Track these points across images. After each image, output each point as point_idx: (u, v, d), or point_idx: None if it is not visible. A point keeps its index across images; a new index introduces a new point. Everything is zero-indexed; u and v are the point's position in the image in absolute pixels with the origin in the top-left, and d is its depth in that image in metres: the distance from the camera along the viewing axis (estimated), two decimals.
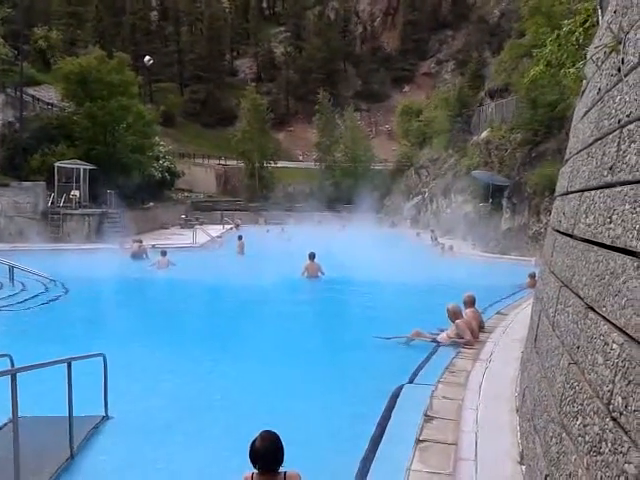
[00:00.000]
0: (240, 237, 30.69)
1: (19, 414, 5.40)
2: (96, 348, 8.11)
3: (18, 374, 5.46)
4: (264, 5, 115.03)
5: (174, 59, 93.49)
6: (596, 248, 3.49)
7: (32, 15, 62.69)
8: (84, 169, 34.76)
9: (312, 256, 21.30)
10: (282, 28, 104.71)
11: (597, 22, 8.11)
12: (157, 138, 46.17)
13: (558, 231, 5.13)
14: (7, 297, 16.77)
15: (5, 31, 46.48)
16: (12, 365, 6.71)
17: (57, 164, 33.78)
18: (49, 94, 47.10)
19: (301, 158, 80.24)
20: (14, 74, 41.06)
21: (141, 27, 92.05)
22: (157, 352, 11.24)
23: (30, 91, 43.58)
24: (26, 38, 50.95)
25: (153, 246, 27.75)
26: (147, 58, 54.68)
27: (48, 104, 44.13)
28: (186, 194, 58.95)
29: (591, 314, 3.32)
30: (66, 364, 6.62)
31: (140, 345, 11.73)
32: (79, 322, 14.83)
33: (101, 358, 7.71)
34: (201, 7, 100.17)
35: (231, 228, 45.88)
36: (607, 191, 3.45)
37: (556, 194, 6.24)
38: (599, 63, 4.62)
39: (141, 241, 27.77)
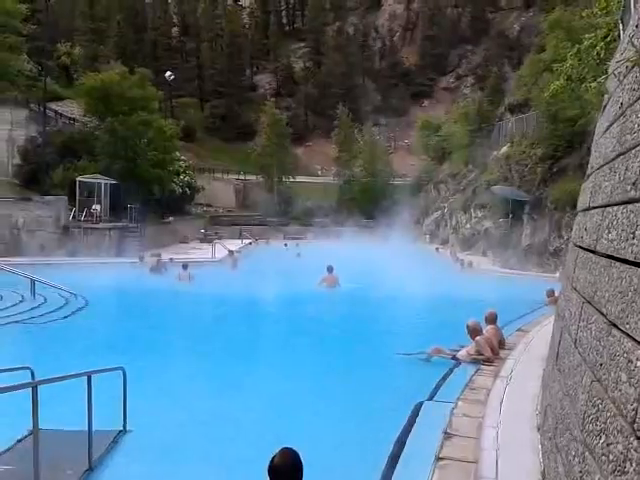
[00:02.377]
0: (231, 252, 30.90)
1: (39, 427, 5.43)
2: (116, 361, 8.14)
3: (39, 386, 5.49)
4: (284, 21, 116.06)
5: (194, 74, 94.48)
6: (619, 264, 3.45)
7: (56, 32, 63.73)
8: (105, 184, 35.11)
9: (330, 269, 22.24)
10: (301, 44, 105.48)
11: (619, 36, 8.07)
12: (177, 153, 46.55)
13: (580, 247, 5.08)
14: (29, 310, 16.92)
15: (29, 47, 47.32)
16: (33, 378, 6.75)
17: (79, 179, 34.16)
18: (71, 109, 47.80)
19: (320, 173, 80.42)
20: (37, 90, 41.79)
21: (162, 43, 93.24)
22: (177, 366, 11.26)
23: (53, 106, 44.25)
24: (50, 54, 51.84)
25: (171, 260, 27.91)
26: (168, 73, 55.24)
27: (70, 119, 44.77)
28: (205, 209, 59.28)
29: (614, 331, 3.27)
30: (86, 377, 6.65)
31: (160, 359, 11.76)
32: (99, 335, 14.92)
33: (120, 372, 7.73)
34: (221, 23, 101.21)
35: (250, 243, 46.07)
36: (630, 206, 3.41)
37: (578, 209, 6.19)
38: (621, 77, 4.58)
39: (160, 255, 27.94)
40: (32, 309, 17.12)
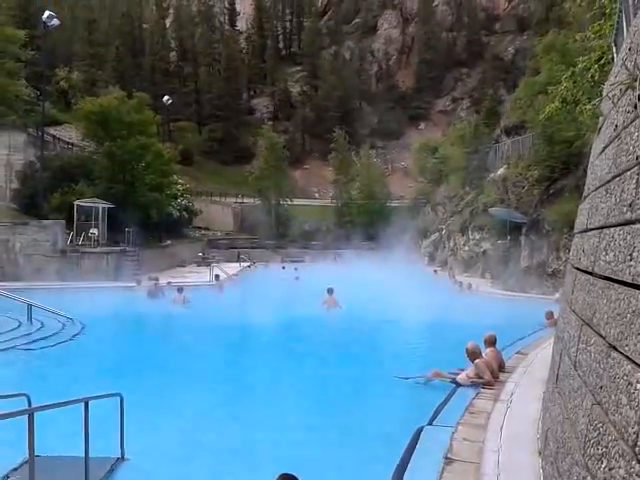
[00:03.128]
0: (217, 277, 30.86)
1: (35, 454, 5.37)
2: (113, 387, 8.08)
3: (35, 413, 5.44)
4: (280, 45, 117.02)
5: (192, 98, 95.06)
6: (617, 286, 3.44)
7: (54, 57, 64.15)
8: (103, 207, 35.15)
9: (330, 291, 23.02)
10: (298, 68, 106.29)
11: (612, 59, 8.15)
12: (175, 176, 46.67)
13: (578, 269, 5.07)
14: (25, 335, 16.83)
15: (28, 73, 47.65)
16: (29, 404, 6.69)
17: (76, 203, 34.20)
18: (69, 134, 48.01)
19: (317, 196, 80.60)
20: (36, 114, 41.97)
21: (160, 68, 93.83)
22: (174, 392, 11.19)
23: (51, 131, 44.45)
24: (48, 79, 52.14)
25: (169, 283, 27.86)
26: (166, 98, 55.59)
27: (68, 143, 44.94)
28: (203, 232, 59.32)
29: (614, 353, 3.26)
30: (83, 404, 6.59)
31: (157, 384, 11.68)
32: (96, 361, 14.82)
33: (118, 398, 7.67)
34: (219, 48, 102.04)
35: (249, 266, 46.02)
36: (627, 228, 3.41)
37: (575, 231, 6.19)
38: (615, 100, 4.61)
39: (157, 279, 27.89)
40: (29, 334, 17.03)
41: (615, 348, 3.25)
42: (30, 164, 38.46)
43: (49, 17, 37.02)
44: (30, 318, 18.83)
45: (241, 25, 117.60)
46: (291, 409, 9.93)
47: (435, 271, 40.24)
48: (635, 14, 5.15)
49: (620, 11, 6.93)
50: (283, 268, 44.23)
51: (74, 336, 17.18)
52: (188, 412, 9.85)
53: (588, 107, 10.97)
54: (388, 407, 10.22)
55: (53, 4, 74.90)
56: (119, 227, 35.56)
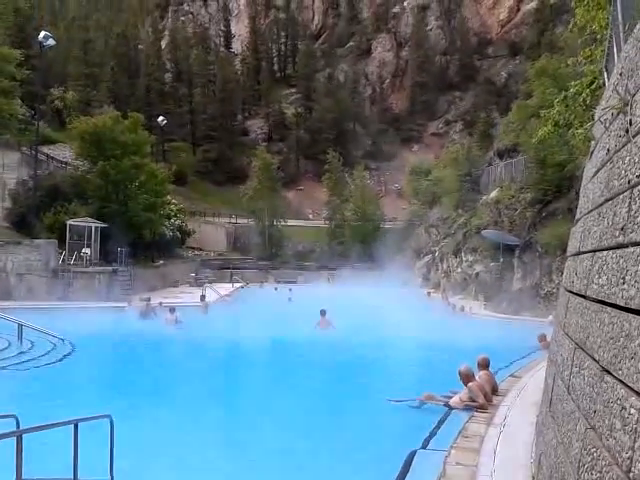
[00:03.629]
0: (203, 297, 30.68)
1: (23, 476, 5.29)
2: (103, 409, 7.99)
3: (24, 435, 5.37)
4: (275, 68, 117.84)
5: (187, 119, 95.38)
6: (610, 309, 3.43)
7: (50, 76, 64.42)
8: (95, 227, 35.05)
9: (323, 312, 23.17)
10: (293, 90, 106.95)
11: (603, 84, 8.23)
12: (169, 196, 46.66)
13: (571, 291, 5.07)
14: (15, 355, 16.67)
15: (23, 92, 47.74)
16: (18, 426, 6.60)
17: (69, 222, 34.09)
18: (63, 153, 48.01)
19: (311, 216, 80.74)
20: (30, 133, 42.00)
21: (155, 88, 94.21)
22: (165, 414, 11.07)
23: (45, 150, 44.46)
24: (43, 98, 52.30)
25: (160, 304, 27.75)
26: (160, 118, 55.80)
27: (62, 163, 44.92)
28: (196, 252, 59.19)
29: (607, 377, 3.24)
30: (72, 425, 6.51)
31: (148, 406, 11.56)
32: (87, 382, 14.69)
33: (108, 420, 7.57)
34: (214, 69, 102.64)
35: (242, 286, 45.91)
36: (619, 251, 3.41)
37: (568, 254, 6.20)
38: (607, 124, 4.65)
39: (149, 299, 27.76)
40: (19, 354, 16.88)
41: (609, 372, 3.23)
42: (23, 183, 38.40)
43: (45, 37, 37.24)
44: (21, 338, 18.67)
45: (236, 47, 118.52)
46: (281, 431, 9.84)
47: (428, 293, 40.23)
48: (625, 40, 5.21)
49: (611, 37, 7.01)
50: (276, 289, 44.16)
51: (65, 356, 17.04)
52: (178, 434, 9.75)
53: (580, 131, 11.04)
54: (380, 430, 10.15)
55: (49, 24, 75.73)
56: (112, 247, 35.44)
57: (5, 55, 41.84)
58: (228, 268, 54.58)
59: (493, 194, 38.55)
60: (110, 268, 33.79)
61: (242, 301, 31.55)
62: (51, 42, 38.19)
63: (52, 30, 52.66)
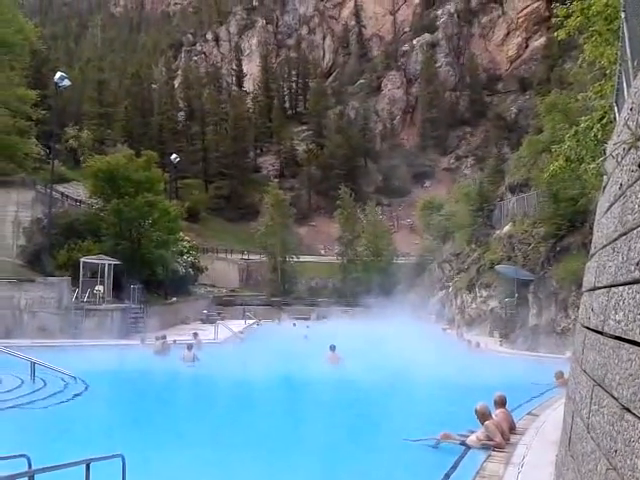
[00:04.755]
0: (196, 334, 29.77)
1: None
2: (116, 448, 7.92)
3: (36, 475, 5.32)
4: (286, 105, 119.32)
5: (199, 157, 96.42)
6: (627, 346, 3.39)
7: (65, 116, 65.50)
8: (109, 264, 35.17)
9: (333, 348, 23.32)
10: (304, 127, 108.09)
11: (614, 118, 8.25)
12: (181, 233, 46.87)
13: (587, 328, 5.01)
14: (28, 394, 16.61)
15: (38, 131, 48.54)
16: (30, 466, 6.55)
17: (83, 259, 34.23)
18: (78, 191, 48.50)
19: (323, 252, 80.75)
20: (45, 172, 42.51)
21: (168, 127, 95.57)
22: (178, 453, 10.95)
23: (60, 188, 44.90)
24: (58, 137, 53.07)
25: (174, 342, 27.62)
26: (173, 156, 56.39)
27: (76, 201, 45.35)
28: (209, 289, 59.22)
29: (627, 415, 3.18)
30: (84, 465, 6.45)
31: (161, 445, 11.44)
32: (99, 421, 14.59)
33: (120, 459, 7.50)
34: (226, 108, 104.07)
35: (254, 323, 45.77)
36: (636, 287, 3.38)
37: (583, 289, 6.15)
38: (619, 159, 4.64)
39: (164, 337, 27.68)
40: (31, 393, 16.82)
41: (629, 410, 3.17)
42: (37, 221, 38.73)
43: (60, 78, 37.89)
44: (33, 376, 18.64)
45: (248, 86, 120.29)
46: (293, 473, 9.69)
47: (444, 329, 39.88)
48: (635, 76, 5.23)
49: (620, 72, 7.05)
50: (294, 325, 44.19)
51: (77, 395, 16.96)
52: (191, 474, 9.63)
53: (592, 166, 11.03)
54: (397, 470, 9.98)
55: (65, 65, 77.34)
56: (125, 284, 35.51)
57: (21, 96, 42.64)
58: (240, 305, 54.53)
59: (506, 229, 38.43)
60: (123, 305, 33.82)
61: (256, 338, 31.40)
62: (66, 83, 38.85)
63: (68, 71, 53.73)
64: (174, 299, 43.28)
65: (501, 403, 11.70)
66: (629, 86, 5.69)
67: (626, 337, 3.44)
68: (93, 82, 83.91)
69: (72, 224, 38.56)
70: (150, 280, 37.52)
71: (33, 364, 18.88)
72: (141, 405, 16.55)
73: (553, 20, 15.27)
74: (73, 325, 30.96)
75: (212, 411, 16.23)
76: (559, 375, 17.03)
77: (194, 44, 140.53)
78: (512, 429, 11.37)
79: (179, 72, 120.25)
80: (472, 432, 11.11)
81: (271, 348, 28.69)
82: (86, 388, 17.91)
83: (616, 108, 7.56)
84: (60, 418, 14.50)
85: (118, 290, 35.51)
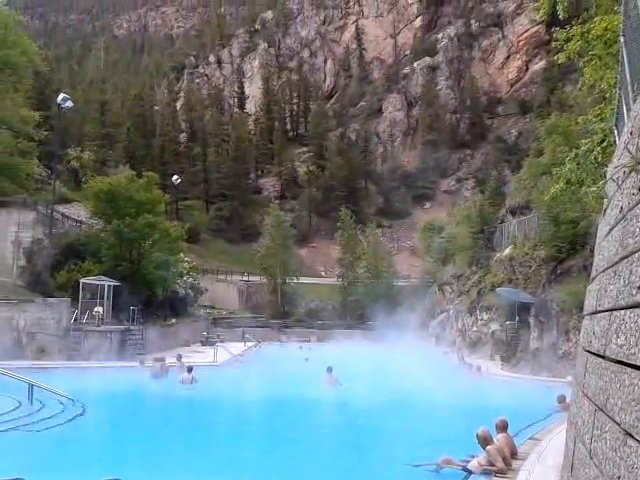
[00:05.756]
0: (180, 356, 29.32)
1: None
2: (113, 471, 7.84)
3: None
4: (288, 127, 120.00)
5: (201, 178, 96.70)
6: (629, 370, 3.35)
7: (67, 137, 65.84)
8: (108, 285, 35.10)
9: (329, 370, 23.46)
10: (305, 148, 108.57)
11: (614, 142, 8.26)
12: (182, 254, 46.84)
13: (589, 352, 4.97)
14: (25, 417, 16.47)
15: (40, 152, 48.78)
16: None
17: (82, 280, 34.15)
18: (78, 211, 48.60)
19: (324, 274, 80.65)
20: (46, 192, 42.64)
21: (170, 148, 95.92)
22: (175, 477, 10.84)
23: (60, 209, 44.99)
24: (60, 158, 53.34)
25: (180, 357, 27.53)
26: (175, 177, 56.58)
27: (77, 221, 45.40)
28: (208, 310, 59.00)
29: (630, 441, 3.14)
30: None
31: (159, 468, 11.33)
32: (97, 444, 14.46)
33: None
34: (228, 129, 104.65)
35: (253, 346, 45.56)
36: (637, 310, 3.35)
37: (584, 313, 6.11)
38: (619, 182, 4.64)
39: (164, 360, 27.53)
40: (28, 415, 16.68)
41: (631, 436, 3.13)
42: (38, 241, 38.74)
43: (63, 99, 38.14)
44: (31, 398, 18.49)
45: (250, 108, 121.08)
46: None
47: (445, 352, 39.67)
48: (634, 100, 5.25)
49: (620, 96, 7.08)
50: (300, 348, 44.11)
51: (75, 418, 16.82)
52: None
53: (592, 189, 11.03)
54: None
55: (68, 86, 77.92)
56: (124, 305, 35.41)
57: (24, 117, 42.93)
58: (240, 327, 54.30)
59: (507, 251, 38.39)
60: (122, 327, 33.68)
61: (256, 361, 31.23)
62: (69, 104, 39.10)
63: (71, 92, 54.05)
64: (173, 321, 43.11)
65: (503, 428, 11.58)
66: (629, 110, 5.70)
67: (628, 361, 3.41)
68: (96, 103, 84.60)
69: (72, 245, 38.56)
70: (150, 301, 37.42)
71: (31, 386, 18.75)
72: (137, 428, 16.39)
73: (553, 44, 15.38)
74: (72, 346, 30.81)
75: (208, 434, 16.09)
76: (561, 399, 16.91)
77: (196, 66, 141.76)
78: (514, 454, 11.25)
79: (181, 94, 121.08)
80: (473, 457, 11.00)
81: (270, 371, 28.55)
82: (84, 411, 17.77)
83: (616, 131, 7.57)
84: (57, 441, 14.37)
85: (117, 311, 35.43)
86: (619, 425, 3.42)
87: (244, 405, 19.62)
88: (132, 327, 34.25)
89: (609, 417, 3.72)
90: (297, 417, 18.23)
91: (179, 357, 28.94)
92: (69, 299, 32.68)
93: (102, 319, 33.70)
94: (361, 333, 52.85)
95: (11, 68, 41.19)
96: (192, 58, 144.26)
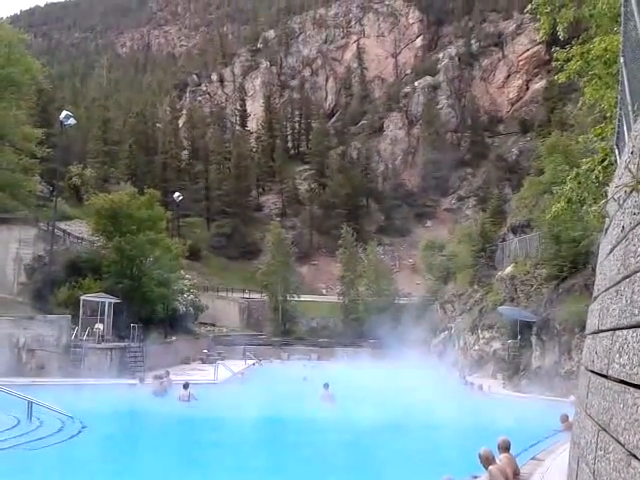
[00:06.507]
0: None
1: None
2: None
3: None
4: (289, 145, 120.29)
5: (202, 195, 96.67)
6: (632, 390, 3.33)
7: (69, 154, 66.00)
8: (109, 302, 35.02)
9: (326, 386, 24.04)
10: (306, 166, 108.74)
11: (615, 161, 8.28)
12: (183, 272, 46.80)
13: (592, 371, 4.94)
14: (24, 434, 16.38)
15: (42, 169, 48.92)
16: None
17: (83, 297, 34.09)
18: (80, 228, 48.59)
19: (325, 292, 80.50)
20: (47, 209, 42.71)
21: (172, 165, 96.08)
22: None
23: (62, 225, 45.02)
24: (62, 175, 53.45)
25: (167, 373, 27.42)
26: (176, 194, 56.72)
27: (78, 238, 45.41)
28: (209, 328, 58.83)
29: (634, 462, 3.11)
30: None
31: None
32: (95, 461, 14.37)
33: None
34: (230, 147, 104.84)
35: (254, 364, 45.40)
36: None
37: (587, 332, 6.09)
38: (620, 202, 4.64)
39: (162, 377, 27.41)
40: (27, 433, 16.58)
41: (635, 456, 3.11)
42: (39, 258, 38.74)
43: (66, 117, 38.34)
44: (30, 416, 18.39)
45: (251, 125, 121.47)
46: None
47: (446, 371, 39.47)
48: (635, 119, 5.26)
49: (620, 116, 7.10)
50: (304, 366, 44.05)
51: (73, 436, 16.72)
52: None
53: (594, 208, 11.03)
54: None
55: (71, 104, 78.30)
56: (125, 322, 35.34)
57: (27, 134, 43.12)
58: (241, 344, 54.06)
59: (508, 270, 38.35)
60: (122, 344, 33.59)
61: (256, 379, 31.08)
62: (72, 121, 39.31)
63: (73, 110, 54.31)
64: (174, 338, 43.00)
65: (505, 447, 11.49)
66: (629, 129, 5.72)
67: (631, 381, 3.39)
68: (98, 121, 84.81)
69: (73, 261, 38.57)
70: (150, 318, 37.34)
71: (30, 403, 18.66)
72: (135, 446, 16.31)
73: (553, 63, 15.48)
74: (72, 364, 30.70)
75: (205, 452, 15.99)
76: (564, 419, 16.79)
77: (199, 84, 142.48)
78: (516, 474, 11.16)
79: (183, 112, 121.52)
80: (476, 477, 10.90)
81: (270, 389, 28.43)
82: (83, 428, 17.67)
83: (617, 151, 7.60)
84: (56, 459, 14.28)
85: (118, 328, 35.34)
86: (623, 446, 3.39)
87: (242, 422, 19.51)
88: (132, 344, 34.16)
89: (613, 437, 3.69)
90: (294, 434, 18.11)
91: (167, 373, 28.68)
92: (69, 316, 32.61)
93: (102, 336, 33.59)
94: (362, 351, 52.63)
95: (14, 86, 41.45)
96: (194, 76, 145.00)
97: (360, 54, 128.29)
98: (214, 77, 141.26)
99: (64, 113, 38.95)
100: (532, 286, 33.63)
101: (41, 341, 30.67)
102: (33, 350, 30.44)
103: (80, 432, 17.24)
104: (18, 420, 18.04)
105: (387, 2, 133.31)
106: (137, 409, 20.88)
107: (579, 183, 12.42)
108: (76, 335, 32.74)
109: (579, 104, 17.24)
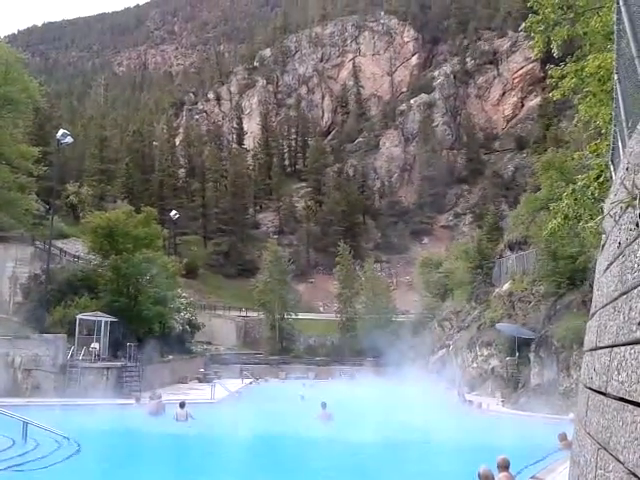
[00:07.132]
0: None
1: None
2: None
3: None
4: (286, 163, 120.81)
5: (199, 213, 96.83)
6: (632, 407, 3.30)
7: (65, 172, 66.11)
8: (105, 321, 34.83)
9: (324, 405, 24.01)
10: (303, 184, 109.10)
11: (610, 177, 8.31)
12: (179, 290, 46.64)
13: (590, 388, 4.91)
14: (18, 455, 16.21)
15: (39, 187, 48.91)
16: None
17: (79, 316, 33.90)
18: (76, 247, 48.49)
19: (322, 309, 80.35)
20: (44, 228, 42.63)
21: (168, 183, 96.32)
22: None
23: (58, 244, 44.92)
24: (58, 194, 53.48)
25: (153, 395, 27.26)
26: (173, 213, 56.80)
27: (74, 257, 45.28)
28: (205, 346, 58.51)
29: None
30: None
31: None
32: None
33: None
34: (226, 165, 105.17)
35: (251, 383, 45.16)
36: (638, 347, 3.31)
37: (585, 349, 6.06)
38: (617, 218, 4.64)
39: (160, 397, 27.21)
40: (22, 454, 16.41)
41: (635, 475, 3.07)
42: (35, 277, 38.62)
43: (63, 135, 38.39)
44: (25, 436, 18.22)
45: (248, 143, 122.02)
46: None
47: (445, 389, 39.27)
48: (630, 136, 5.28)
49: (615, 132, 7.13)
50: (304, 385, 43.83)
51: (69, 456, 16.56)
52: None
53: (590, 224, 11.04)
54: None
55: (68, 122, 78.57)
56: (121, 341, 35.15)
57: (23, 152, 43.13)
58: (238, 363, 53.81)
59: (506, 286, 38.32)
60: (119, 364, 33.37)
61: (253, 398, 30.87)
62: (69, 140, 39.37)
63: (70, 128, 54.49)
64: (170, 357, 42.75)
65: (504, 466, 11.40)
66: (624, 146, 5.73)
67: (630, 398, 3.36)
68: (95, 139, 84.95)
69: (70, 280, 38.42)
70: (146, 337, 37.15)
71: (25, 424, 18.50)
72: (131, 467, 16.15)
73: (548, 81, 15.59)
74: (68, 383, 30.48)
75: (202, 472, 15.86)
76: (562, 437, 16.68)
77: (196, 103, 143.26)
78: None
79: (180, 130, 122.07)
80: None
81: (267, 409, 28.27)
82: (78, 449, 17.51)
83: (612, 167, 7.61)
84: None
85: (114, 348, 35.13)
86: (623, 464, 3.35)
87: (239, 442, 19.37)
88: (129, 364, 33.94)
89: (612, 456, 3.65)
90: (291, 454, 17.97)
91: (158, 395, 28.15)
92: (65, 335, 32.40)
93: (98, 355, 33.37)
94: (360, 369, 52.41)
95: (11, 104, 41.50)
96: (191, 95, 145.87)
97: (356, 72, 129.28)
98: (211, 95, 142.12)
99: (61, 131, 39.02)
100: (530, 303, 33.60)
101: (37, 361, 30.44)
102: (29, 370, 30.21)
103: (76, 453, 17.07)
104: (13, 441, 17.87)
105: (382, 21, 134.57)
106: (134, 429, 20.71)
107: (575, 199, 12.45)
108: (72, 354, 32.52)
109: (574, 121, 17.32)
